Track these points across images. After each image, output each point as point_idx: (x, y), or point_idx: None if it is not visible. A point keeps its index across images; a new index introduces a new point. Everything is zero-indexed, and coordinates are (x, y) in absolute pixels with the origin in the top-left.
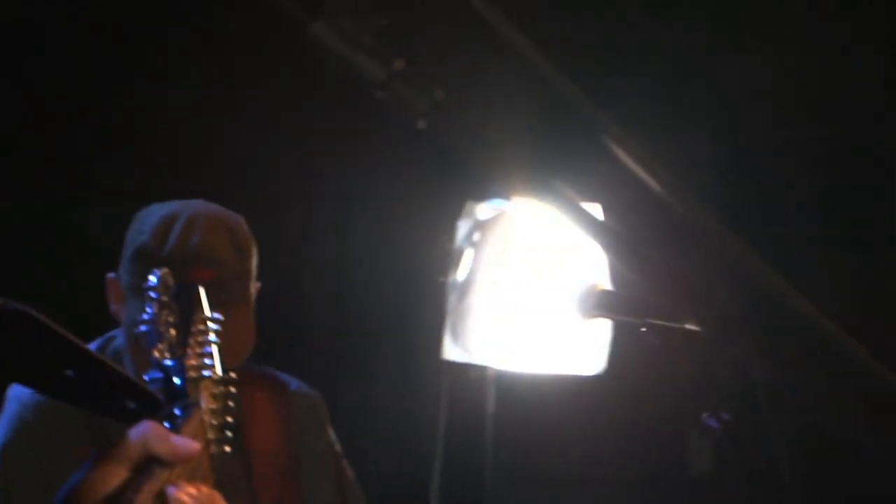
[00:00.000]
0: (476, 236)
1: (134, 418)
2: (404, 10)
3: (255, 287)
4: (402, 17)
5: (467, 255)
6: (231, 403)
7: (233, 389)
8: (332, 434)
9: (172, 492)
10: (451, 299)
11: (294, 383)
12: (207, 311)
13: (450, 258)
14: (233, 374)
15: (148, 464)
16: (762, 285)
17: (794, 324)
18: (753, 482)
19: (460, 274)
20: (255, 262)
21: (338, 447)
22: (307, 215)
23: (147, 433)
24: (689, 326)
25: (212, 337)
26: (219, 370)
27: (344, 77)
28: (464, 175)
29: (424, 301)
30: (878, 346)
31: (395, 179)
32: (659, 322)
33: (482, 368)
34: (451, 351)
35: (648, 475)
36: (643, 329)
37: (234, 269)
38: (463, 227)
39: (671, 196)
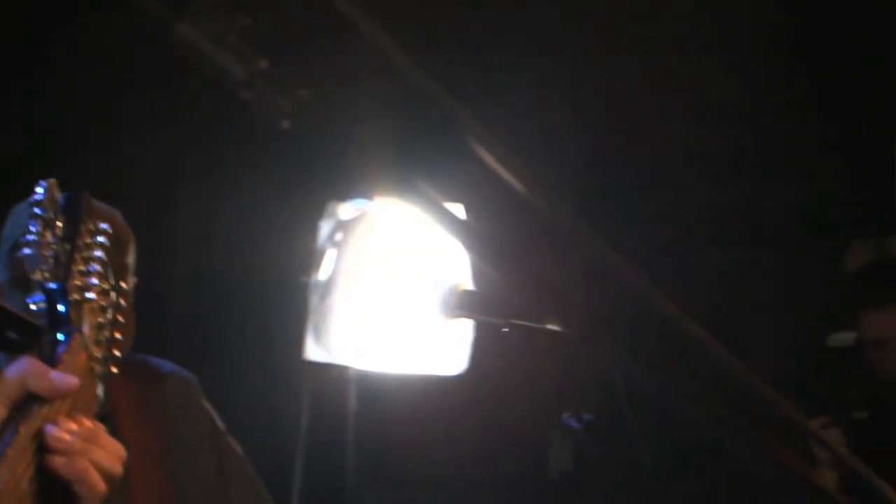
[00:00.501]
0: (338, 236)
1: (16, 348)
2: (269, 10)
3: (132, 281)
4: (266, 17)
5: (329, 256)
6: (120, 318)
7: (122, 301)
8: (210, 411)
9: (51, 430)
10: (313, 299)
11: (167, 366)
12: (95, 222)
13: (312, 258)
14: (123, 284)
15: (27, 401)
16: (625, 286)
17: (657, 324)
18: (614, 481)
19: (322, 274)
20: (132, 257)
21: (219, 423)
22: (169, 214)
23: (24, 370)
24: (551, 327)
25: (98, 253)
26: (110, 280)
27: (209, 77)
28: (326, 175)
29: (287, 301)
30: (741, 345)
31: (258, 179)
32: (521, 322)
33: (343, 368)
34: (313, 351)
35: (510, 475)
36: (505, 329)
37: (114, 262)
38: (325, 227)
39: (534, 196)
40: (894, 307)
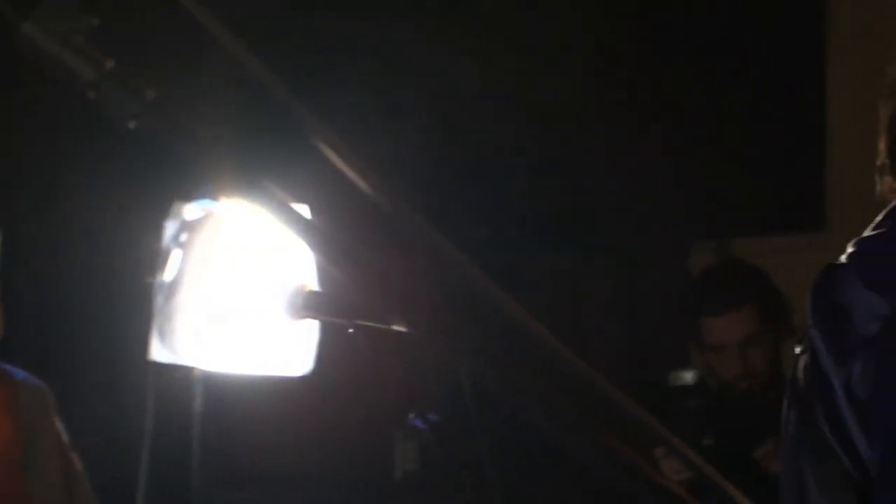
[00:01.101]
0: (183, 237)
1: None
2: (116, 10)
3: None
4: (113, 17)
5: (174, 256)
6: None
7: None
8: (59, 425)
9: None
10: (158, 300)
11: (20, 373)
12: None
13: (156, 259)
14: None
15: None
16: (470, 286)
17: (502, 324)
18: (458, 481)
19: (167, 275)
20: None
21: (65, 438)
22: (12, 214)
23: None
24: (397, 328)
25: None
26: None
27: (55, 77)
28: (172, 175)
29: (131, 302)
30: (584, 345)
31: (103, 179)
32: (367, 323)
33: (188, 369)
34: (158, 352)
35: (356, 475)
36: (351, 330)
37: None
38: (170, 228)
39: (380, 197)
40: (733, 314)
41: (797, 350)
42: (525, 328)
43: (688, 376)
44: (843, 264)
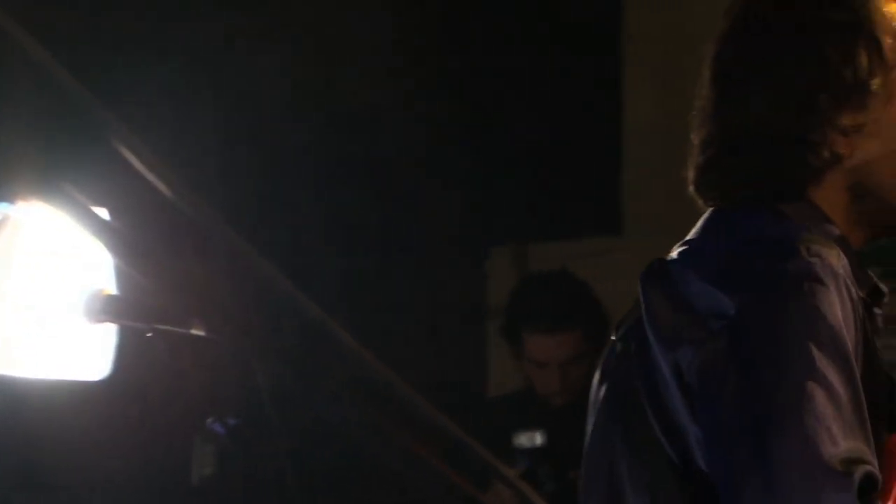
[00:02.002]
0: None
1: None
2: None
3: None
4: None
5: None
6: None
7: None
8: None
9: None
10: None
11: None
12: None
13: None
14: None
15: None
16: (269, 289)
17: (301, 327)
18: (257, 485)
19: None
20: None
21: None
22: None
23: None
24: (195, 331)
25: None
26: None
27: None
28: None
29: None
30: (384, 347)
31: None
32: (165, 327)
33: None
34: None
35: (154, 479)
36: (150, 334)
37: None
38: None
39: (179, 200)
40: (560, 335)
41: (613, 336)
42: (324, 331)
43: (533, 436)
44: (675, 261)
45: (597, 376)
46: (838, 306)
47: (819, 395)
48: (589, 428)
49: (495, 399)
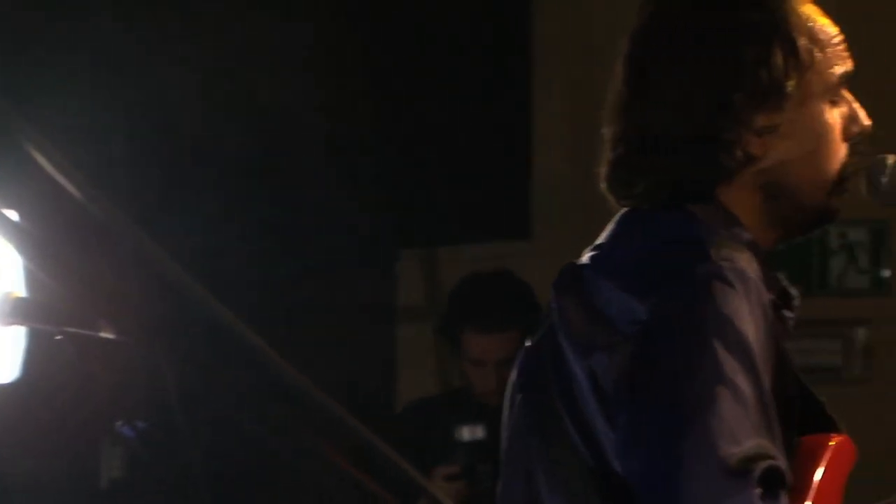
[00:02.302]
0: None
1: None
2: None
3: None
4: None
5: None
6: None
7: None
8: None
9: None
10: None
11: None
12: None
13: None
14: None
15: None
16: (180, 293)
17: (211, 330)
18: (165, 487)
19: None
20: None
21: None
22: None
23: None
24: (104, 334)
25: None
26: None
27: None
28: None
29: None
30: (293, 349)
31: None
32: (74, 330)
33: None
34: None
35: (63, 483)
36: (59, 337)
37: None
38: None
39: (90, 202)
40: (499, 335)
41: (528, 343)
42: (233, 334)
43: (476, 429)
44: (588, 266)
45: (512, 382)
46: (747, 309)
47: (725, 397)
48: (505, 433)
49: (433, 397)
